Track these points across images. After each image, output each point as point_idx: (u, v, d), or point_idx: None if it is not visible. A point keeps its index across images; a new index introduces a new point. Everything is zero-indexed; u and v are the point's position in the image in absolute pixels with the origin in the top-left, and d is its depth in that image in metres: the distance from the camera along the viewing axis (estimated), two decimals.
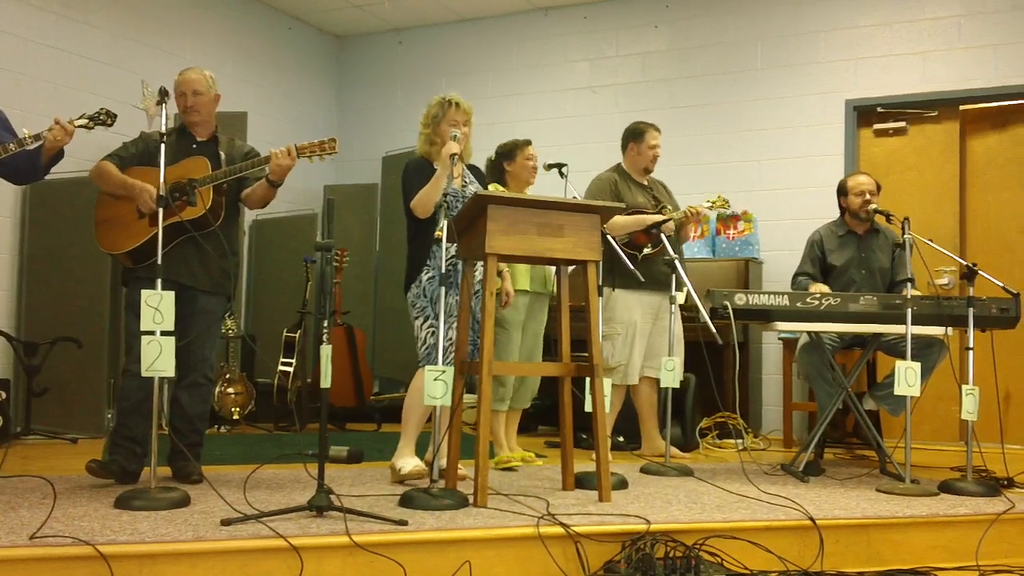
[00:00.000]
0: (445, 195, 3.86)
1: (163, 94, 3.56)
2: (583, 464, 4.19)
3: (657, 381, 5.15)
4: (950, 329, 4.41)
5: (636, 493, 3.86)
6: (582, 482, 3.91)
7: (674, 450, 5.10)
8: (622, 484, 3.97)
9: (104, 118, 3.83)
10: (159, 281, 3.34)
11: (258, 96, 7.57)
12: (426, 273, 4.05)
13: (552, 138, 7.03)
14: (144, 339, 3.26)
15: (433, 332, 3.99)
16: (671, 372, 4.53)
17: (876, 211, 4.85)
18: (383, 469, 4.22)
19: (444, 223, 3.53)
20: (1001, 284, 4.31)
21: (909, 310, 4.10)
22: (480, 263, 3.99)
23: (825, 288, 4.81)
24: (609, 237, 4.42)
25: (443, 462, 3.68)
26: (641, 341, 5.18)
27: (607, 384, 3.82)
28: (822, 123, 6.74)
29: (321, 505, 3.08)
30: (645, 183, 5.32)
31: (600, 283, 4.09)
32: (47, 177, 4.01)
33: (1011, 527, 3.53)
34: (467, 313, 3.78)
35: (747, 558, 3.11)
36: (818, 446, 4.91)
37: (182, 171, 3.86)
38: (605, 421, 3.71)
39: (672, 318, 4.79)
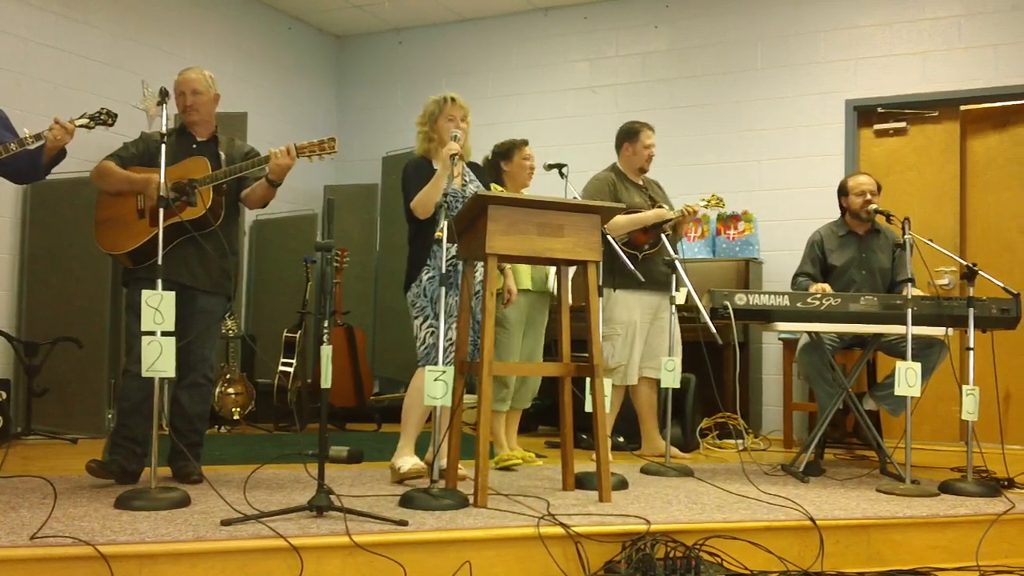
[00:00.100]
0: (445, 195, 3.86)
1: (163, 94, 3.57)
2: (583, 464, 4.19)
3: (657, 381, 5.15)
4: (950, 329, 4.41)
5: (636, 493, 3.86)
6: (582, 482, 3.90)
7: (674, 450, 5.10)
8: (622, 484, 3.97)
9: (104, 118, 3.84)
10: (159, 282, 3.34)
11: (258, 96, 7.57)
12: (426, 273, 4.05)
13: (552, 138, 7.04)
14: (144, 339, 3.26)
15: (432, 332, 3.99)
16: (671, 372, 4.53)
17: (877, 211, 4.85)
18: (383, 469, 4.22)
19: (444, 223, 3.53)
20: (1001, 284, 4.31)
21: (909, 310, 4.10)
22: (480, 263, 3.99)
23: (827, 287, 4.80)
24: (609, 237, 4.42)
25: (443, 462, 3.68)
26: (640, 341, 5.18)
27: (607, 384, 3.82)
28: (822, 123, 6.74)
29: (321, 505, 3.08)
30: (640, 183, 5.32)
31: (600, 283, 4.08)
32: (47, 177, 4.02)
33: (1011, 527, 3.53)
34: (467, 313, 3.78)
35: (747, 558, 3.11)
36: (818, 446, 4.91)
37: (182, 171, 3.86)
38: (605, 421, 3.71)
39: (672, 318, 4.78)
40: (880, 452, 4.65)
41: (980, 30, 6.38)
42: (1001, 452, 4.42)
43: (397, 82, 8.21)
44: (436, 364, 3.49)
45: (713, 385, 4.97)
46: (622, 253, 4.54)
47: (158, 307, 3.26)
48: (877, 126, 6.71)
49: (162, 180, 3.45)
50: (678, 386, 4.61)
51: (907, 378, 3.99)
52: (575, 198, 4.36)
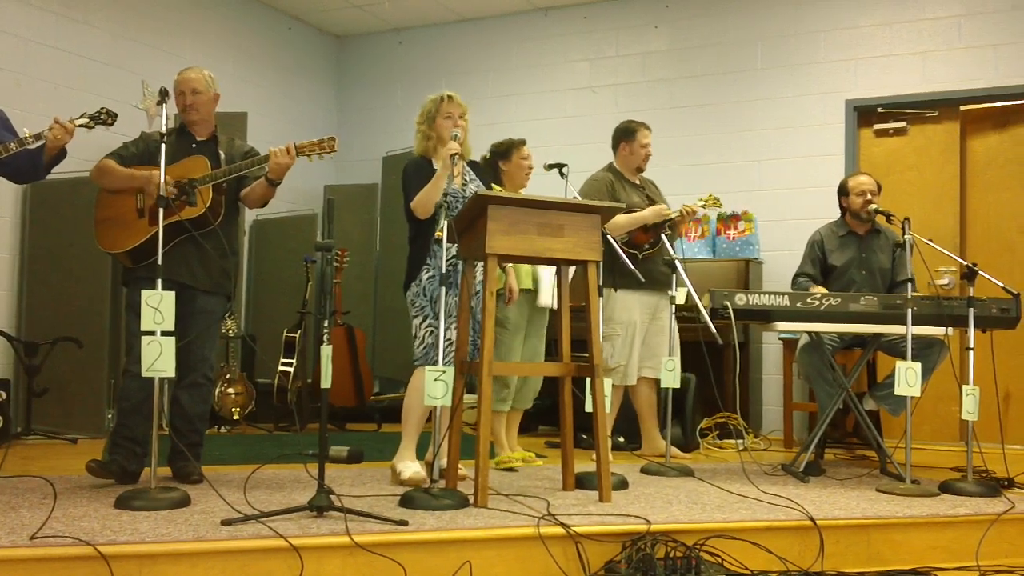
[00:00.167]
0: (445, 195, 3.85)
1: (163, 94, 3.57)
2: (583, 464, 4.19)
3: (656, 381, 5.14)
4: (950, 329, 4.41)
5: (636, 493, 3.86)
6: (582, 482, 3.90)
7: (674, 450, 5.10)
8: (622, 484, 3.97)
9: (105, 117, 3.85)
10: (159, 281, 3.34)
11: (258, 96, 7.57)
12: (426, 272, 4.04)
13: (552, 138, 7.04)
14: (144, 339, 3.26)
15: (432, 332, 3.98)
16: (671, 372, 4.53)
17: (877, 211, 4.85)
18: (383, 469, 4.22)
19: (444, 223, 3.53)
20: (1001, 284, 4.31)
21: (909, 310, 4.10)
22: (480, 263, 3.99)
23: (824, 291, 4.80)
24: (609, 237, 4.42)
25: (443, 462, 3.68)
26: (640, 341, 5.17)
27: (607, 384, 3.82)
28: (822, 123, 6.74)
29: (321, 505, 3.08)
30: (637, 182, 5.32)
31: (600, 283, 4.08)
32: (47, 177, 4.03)
33: (1011, 527, 3.53)
34: (467, 313, 3.78)
35: (747, 558, 3.11)
36: (818, 446, 4.91)
37: (182, 170, 3.86)
38: (605, 421, 3.71)
39: (671, 318, 4.78)
40: (880, 452, 4.65)
41: (980, 30, 6.38)
42: (1001, 452, 4.42)
43: (397, 82, 8.21)
44: (434, 364, 3.49)
45: (713, 385, 4.97)
46: (622, 253, 4.54)
47: (158, 307, 3.26)
48: (877, 126, 6.71)
49: (162, 180, 3.45)
50: (678, 386, 4.61)
51: (907, 378, 3.99)
52: (575, 198, 4.35)
